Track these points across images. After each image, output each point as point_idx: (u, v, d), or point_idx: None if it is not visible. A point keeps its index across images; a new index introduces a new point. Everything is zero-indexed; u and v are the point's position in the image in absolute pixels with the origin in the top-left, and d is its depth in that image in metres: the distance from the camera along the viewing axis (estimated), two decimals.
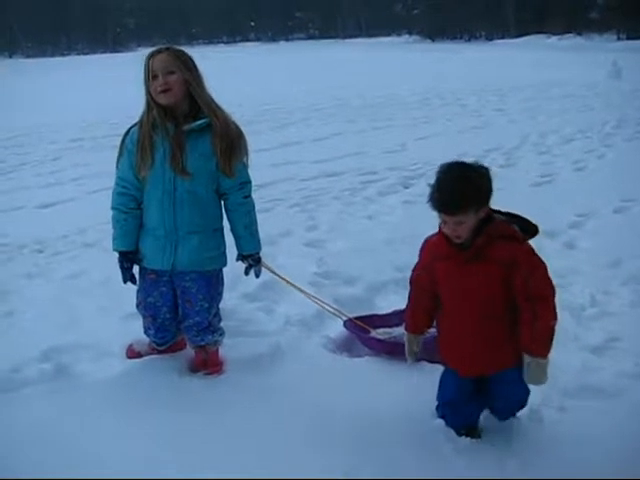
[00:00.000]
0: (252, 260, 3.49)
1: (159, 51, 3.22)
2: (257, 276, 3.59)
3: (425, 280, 2.92)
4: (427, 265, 2.90)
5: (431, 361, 3.39)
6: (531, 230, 2.77)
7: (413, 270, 3.02)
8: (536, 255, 2.74)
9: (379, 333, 3.94)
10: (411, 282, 3.03)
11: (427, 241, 2.94)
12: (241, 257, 3.50)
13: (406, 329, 3.10)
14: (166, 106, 3.20)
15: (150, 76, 3.18)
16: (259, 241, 3.50)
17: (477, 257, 2.71)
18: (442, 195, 2.67)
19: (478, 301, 2.76)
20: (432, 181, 2.75)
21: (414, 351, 3.08)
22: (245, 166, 3.38)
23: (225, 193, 3.37)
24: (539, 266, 2.73)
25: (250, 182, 3.43)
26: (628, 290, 4.61)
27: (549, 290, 2.73)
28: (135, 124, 3.31)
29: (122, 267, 3.41)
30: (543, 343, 2.73)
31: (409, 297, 3.06)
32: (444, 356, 3.00)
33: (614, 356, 3.74)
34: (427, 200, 2.72)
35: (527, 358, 2.75)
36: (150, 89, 3.20)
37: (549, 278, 2.74)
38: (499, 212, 2.79)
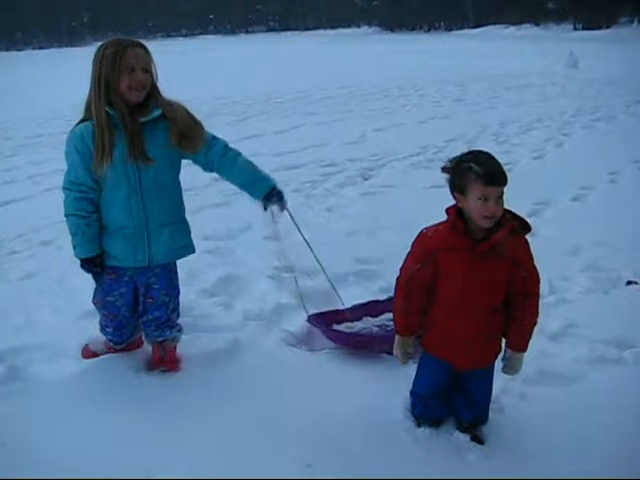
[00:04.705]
0: (276, 194, 3.43)
1: (138, 44, 3.05)
2: (283, 209, 3.52)
3: (426, 274, 2.73)
4: (429, 257, 2.70)
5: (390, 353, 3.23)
6: (525, 227, 2.71)
7: (402, 270, 2.82)
8: (532, 257, 2.78)
9: (341, 328, 3.92)
10: (405, 283, 2.80)
11: (425, 234, 2.75)
12: (264, 201, 3.45)
13: (399, 332, 2.92)
14: (132, 102, 3.06)
15: (122, 68, 2.96)
16: (268, 175, 3.45)
17: (492, 251, 2.63)
18: (489, 167, 2.55)
19: (485, 295, 2.72)
20: (453, 164, 2.66)
21: (408, 352, 2.94)
22: (209, 134, 3.30)
23: (203, 159, 3.31)
24: (535, 268, 2.78)
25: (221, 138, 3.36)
26: (585, 277, 4.68)
27: (538, 287, 2.81)
28: (79, 123, 3.10)
29: (92, 272, 3.28)
30: (527, 339, 2.86)
31: (401, 299, 2.83)
32: (437, 350, 2.89)
33: (571, 342, 3.79)
34: (454, 184, 2.63)
35: (509, 352, 2.87)
36: (120, 83, 2.98)
37: (539, 277, 2.80)
38: None
